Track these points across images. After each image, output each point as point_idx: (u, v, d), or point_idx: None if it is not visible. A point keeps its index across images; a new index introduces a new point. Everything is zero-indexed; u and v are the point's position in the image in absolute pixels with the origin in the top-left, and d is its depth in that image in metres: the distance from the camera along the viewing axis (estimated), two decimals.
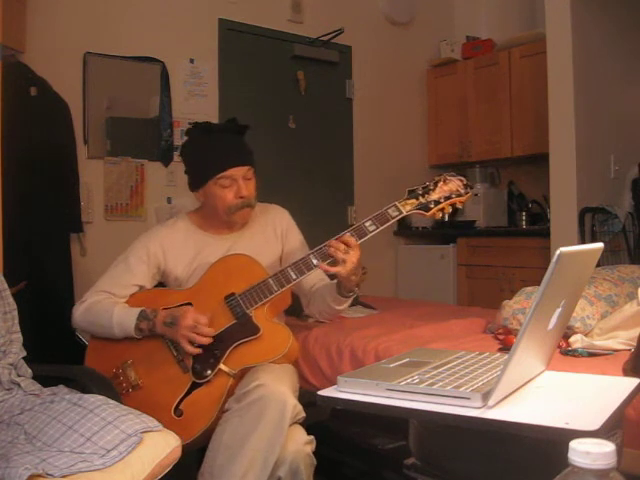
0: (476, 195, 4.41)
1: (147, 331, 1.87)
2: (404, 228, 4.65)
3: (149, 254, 2.00)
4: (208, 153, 1.99)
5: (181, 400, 1.82)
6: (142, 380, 1.87)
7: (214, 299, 1.90)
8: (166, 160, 3.67)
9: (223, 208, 1.99)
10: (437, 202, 1.91)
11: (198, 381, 1.82)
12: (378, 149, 4.53)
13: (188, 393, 1.82)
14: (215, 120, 3.81)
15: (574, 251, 1.02)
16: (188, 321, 1.80)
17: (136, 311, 1.89)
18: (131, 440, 1.39)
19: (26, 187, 2.82)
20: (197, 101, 3.78)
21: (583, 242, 3.39)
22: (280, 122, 4.10)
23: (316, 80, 4.26)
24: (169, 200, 3.68)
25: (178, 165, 3.71)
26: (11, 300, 1.80)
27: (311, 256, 1.89)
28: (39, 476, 1.24)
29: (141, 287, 2.00)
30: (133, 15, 3.54)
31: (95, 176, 3.42)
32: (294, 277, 1.88)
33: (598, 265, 1.48)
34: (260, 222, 2.13)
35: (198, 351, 1.82)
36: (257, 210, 2.12)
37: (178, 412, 1.81)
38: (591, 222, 3.52)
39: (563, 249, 0.94)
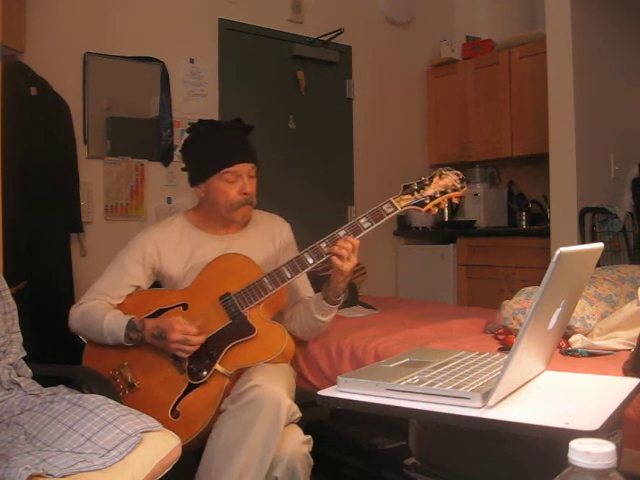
0: (476, 195, 4.41)
1: (137, 341, 1.85)
2: (404, 228, 4.65)
3: (144, 255, 1.98)
4: (215, 147, 1.98)
5: (178, 401, 1.81)
6: (138, 382, 1.86)
7: (209, 299, 1.88)
8: (166, 160, 3.67)
9: (225, 204, 1.97)
10: (433, 197, 1.87)
11: (194, 382, 1.81)
12: (378, 149, 4.53)
13: (185, 394, 1.81)
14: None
15: (574, 251, 1.02)
16: (177, 335, 1.77)
17: (125, 320, 1.86)
18: (131, 440, 1.39)
19: (26, 187, 2.82)
20: (197, 101, 3.78)
21: (583, 242, 3.39)
22: (280, 122, 4.10)
23: (316, 80, 4.26)
24: (169, 200, 3.68)
25: (178, 165, 3.70)
26: (11, 300, 1.80)
27: (306, 254, 1.86)
28: (39, 476, 1.24)
29: (137, 287, 1.99)
30: (133, 15, 3.54)
31: (95, 176, 3.42)
32: (289, 276, 1.86)
33: (598, 265, 1.48)
34: (260, 228, 2.11)
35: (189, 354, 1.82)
36: (259, 215, 2.12)
37: (175, 413, 1.80)
38: (591, 222, 3.52)
39: (563, 249, 0.94)
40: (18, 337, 1.77)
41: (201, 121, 2.07)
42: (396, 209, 1.85)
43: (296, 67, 4.18)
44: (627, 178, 3.73)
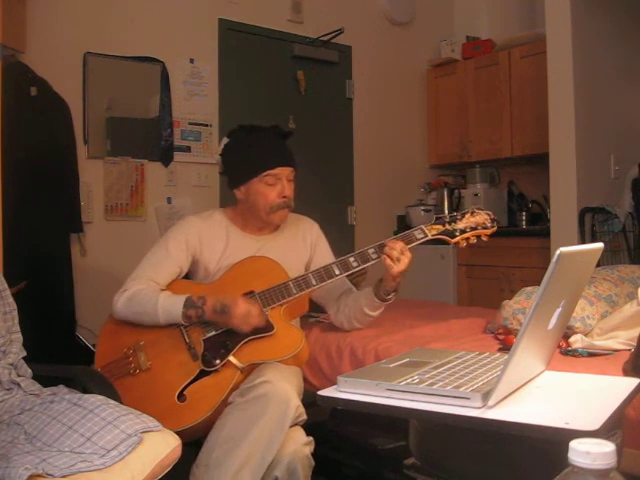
0: (476, 195, 4.41)
1: (195, 318, 1.86)
2: (404, 228, 4.64)
3: (187, 242, 2.01)
4: (257, 151, 2.02)
5: (186, 386, 1.83)
6: (151, 362, 1.88)
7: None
8: (166, 160, 3.67)
9: (265, 206, 2.01)
10: (463, 231, 1.98)
11: (206, 369, 1.83)
12: (378, 149, 4.53)
13: (194, 380, 1.83)
14: (216, 120, 3.83)
15: (574, 251, 1.02)
16: (240, 310, 1.81)
17: (182, 298, 1.87)
18: (131, 440, 1.39)
19: (26, 187, 2.82)
20: (197, 101, 3.78)
21: (583, 242, 3.39)
22: (280, 122, 4.05)
23: (316, 80, 4.26)
24: (169, 200, 3.68)
25: (178, 165, 3.72)
26: (11, 300, 1.80)
27: (334, 265, 1.94)
28: (39, 476, 1.24)
29: (178, 275, 2.01)
30: (133, 15, 3.54)
31: (95, 176, 3.42)
32: (314, 283, 1.92)
33: (598, 265, 1.48)
34: (291, 229, 2.15)
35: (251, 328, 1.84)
36: (289, 217, 2.16)
37: (182, 397, 1.81)
38: (591, 222, 3.52)
39: (563, 249, 0.94)
40: (18, 337, 1.77)
41: (241, 126, 2.12)
42: (426, 236, 1.98)
43: (296, 67, 4.18)
44: (627, 178, 3.72)
